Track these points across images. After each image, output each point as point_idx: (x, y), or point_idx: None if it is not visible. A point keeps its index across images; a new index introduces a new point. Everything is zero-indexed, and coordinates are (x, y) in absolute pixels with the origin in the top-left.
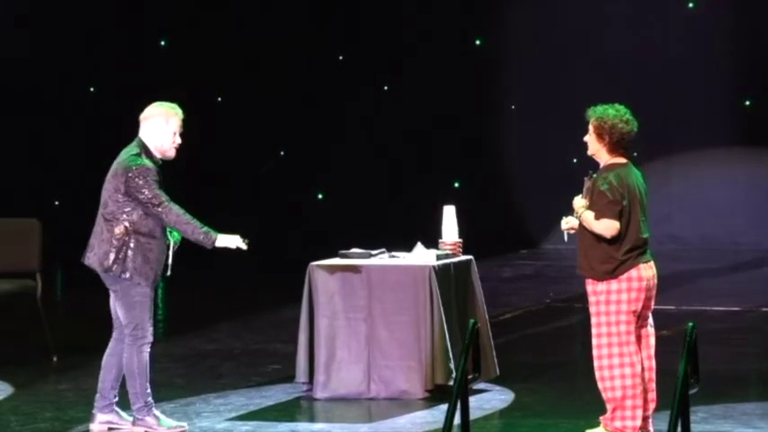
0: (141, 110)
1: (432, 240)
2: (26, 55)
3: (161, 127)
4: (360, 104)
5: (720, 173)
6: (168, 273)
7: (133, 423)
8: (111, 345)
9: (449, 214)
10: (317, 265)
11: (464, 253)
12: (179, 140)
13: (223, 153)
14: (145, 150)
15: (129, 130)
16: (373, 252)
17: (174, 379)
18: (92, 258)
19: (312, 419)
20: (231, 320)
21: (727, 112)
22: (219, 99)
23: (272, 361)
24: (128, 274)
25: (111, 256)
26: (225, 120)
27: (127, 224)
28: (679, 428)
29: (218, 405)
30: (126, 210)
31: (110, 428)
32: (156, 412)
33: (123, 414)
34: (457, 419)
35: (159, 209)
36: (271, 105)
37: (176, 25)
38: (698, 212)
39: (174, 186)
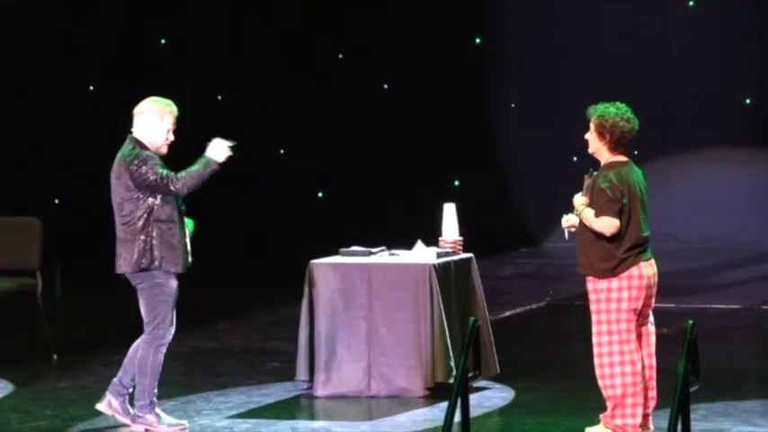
0: None
1: (432, 238)
2: (26, 54)
3: (155, 123)
4: (359, 103)
5: (720, 171)
6: (190, 260)
7: (133, 420)
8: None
9: (449, 212)
10: (318, 264)
11: (464, 251)
12: (172, 137)
13: None
14: (139, 146)
15: (129, 128)
16: (373, 250)
17: (175, 377)
18: (122, 265)
19: (312, 417)
20: (231, 318)
21: (727, 111)
22: (219, 98)
23: (272, 359)
24: (157, 263)
25: (138, 251)
26: (225, 119)
27: (146, 216)
28: (679, 426)
29: (218, 403)
30: (147, 203)
31: (115, 420)
32: (158, 410)
33: (130, 409)
34: (457, 417)
35: (171, 185)
36: (271, 104)
37: (176, 24)
38: (698, 211)
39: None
